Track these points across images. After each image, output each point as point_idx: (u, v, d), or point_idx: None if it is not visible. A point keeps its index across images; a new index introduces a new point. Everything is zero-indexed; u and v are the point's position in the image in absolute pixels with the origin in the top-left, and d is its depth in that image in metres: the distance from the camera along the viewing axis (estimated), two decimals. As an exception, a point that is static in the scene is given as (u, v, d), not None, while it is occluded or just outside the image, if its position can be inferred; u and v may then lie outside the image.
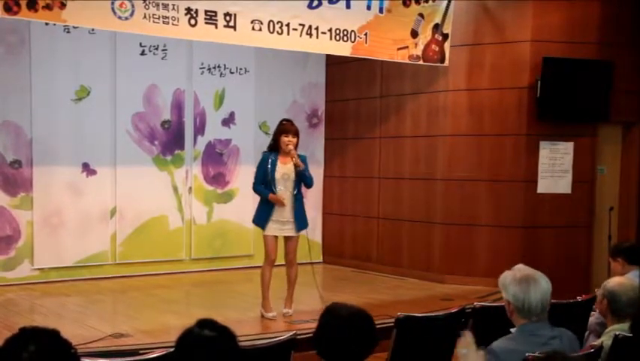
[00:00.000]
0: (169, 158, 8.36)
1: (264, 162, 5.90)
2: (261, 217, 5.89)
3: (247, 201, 8.45)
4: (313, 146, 9.16)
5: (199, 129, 8.52)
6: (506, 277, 2.99)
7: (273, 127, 8.34)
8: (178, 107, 8.36)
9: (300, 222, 5.90)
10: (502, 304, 3.06)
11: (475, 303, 4.42)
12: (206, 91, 8.52)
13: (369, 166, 8.89)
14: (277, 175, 5.82)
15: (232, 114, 8.72)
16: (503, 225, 7.70)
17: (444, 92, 7.98)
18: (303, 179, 5.88)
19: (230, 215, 8.69)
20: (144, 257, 8.22)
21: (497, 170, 7.73)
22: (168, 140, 8.33)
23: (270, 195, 5.80)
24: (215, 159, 8.64)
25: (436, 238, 8.06)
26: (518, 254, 7.33)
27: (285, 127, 5.88)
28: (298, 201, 5.89)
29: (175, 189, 8.40)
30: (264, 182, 5.85)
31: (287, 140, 5.82)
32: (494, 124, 7.74)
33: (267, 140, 8.32)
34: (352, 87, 9.07)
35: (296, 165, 5.80)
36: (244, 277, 8.25)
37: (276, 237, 5.88)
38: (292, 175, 5.83)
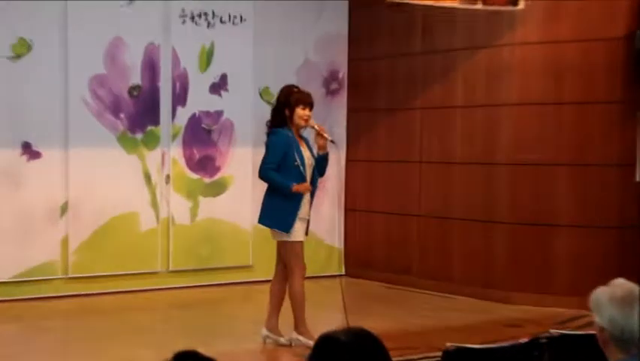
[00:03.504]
0: (139, 136, 8.37)
1: (287, 140, 6.03)
2: (287, 216, 6.01)
3: (244, 194, 8.56)
4: (332, 119, 9.12)
5: (179, 98, 8.55)
6: (601, 295, 2.98)
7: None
8: (151, 68, 8.36)
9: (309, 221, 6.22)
10: (592, 331, 3.06)
11: (552, 330, 4.53)
12: (189, 47, 8.54)
13: (406, 147, 8.92)
14: (307, 160, 6.06)
15: (223, 78, 8.74)
16: (591, 224, 7.73)
17: (509, 47, 8.03)
18: (323, 166, 6.13)
19: (222, 212, 8.72)
20: (106, 270, 8.23)
21: (582, 150, 7.79)
22: (138, 112, 8.34)
23: (295, 186, 5.95)
24: (202, 138, 8.65)
25: (499, 243, 8.11)
26: (612, 264, 7.35)
27: (302, 97, 6.06)
28: (315, 193, 6.18)
29: (147, 177, 8.42)
30: (282, 168, 6.02)
31: (305, 113, 6.02)
32: (578, 88, 7.78)
33: (270, 111, 8.35)
34: (384, 41, 9.09)
35: (323, 146, 6.03)
36: (240, 295, 8.29)
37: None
38: (313, 161, 6.11)
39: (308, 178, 6.07)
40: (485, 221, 8.16)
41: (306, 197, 6.07)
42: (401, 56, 8.91)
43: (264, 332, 6.26)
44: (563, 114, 7.81)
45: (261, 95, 8.88)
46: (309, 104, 6.04)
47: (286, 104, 6.06)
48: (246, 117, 8.77)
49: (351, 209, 9.26)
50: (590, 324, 3.11)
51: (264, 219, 6.18)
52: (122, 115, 8.27)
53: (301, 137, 6.17)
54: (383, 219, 9.09)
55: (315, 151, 6.20)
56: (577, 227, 7.75)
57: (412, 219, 8.83)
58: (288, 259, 6.08)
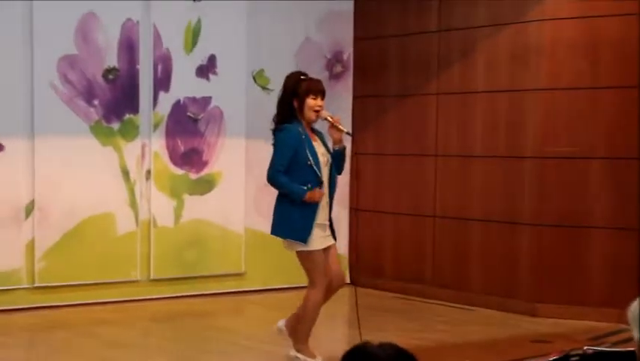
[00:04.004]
0: (116, 126, 8.33)
1: (295, 138, 5.96)
2: (303, 224, 5.96)
3: (235, 192, 8.62)
4: (336, 106, 8.80)
5: (162, 82, 8.52)
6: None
7: (274, 79, 8.61)
8: (129, 48, 8.34)
9: (332, 224, 6.18)
10: (631, 348, 3.11)
11: (585, 347, 4.50)
12: (173, 23, 8.53)
13: (420, 138, 8.91)
14: (321, 158, 6.02)
15: (212, 59, 8.70)
16: (629, 226, 7.67)
17: (538, 23, 7.98)
18: (340, 162, 6.10)
19: (210, 213, 8.71)
20: (78, 278, 8.18)
21: (620, 142, 7.73)
22: (114, 98, 8.31)
23: (308, 195, 5.91)
24: (187, 128, 8.65)
25: (524, 248, 8.07)
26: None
27: (312, 85, 6.01)
28: (333, 195, 6.15)
29: (125, 173, 8.39)
30: (293, 169, 5.96)
31: (317, 103, 5.96)
32: (617, 71, 7.73)
33: (264, 98, 8.39)
34: (395, 17, 9.07)
35: (338, 139, 6.00)
36: (231, 307, 8.33)
37: (322, 250, 6.08)
38: (330, 158, 6.07)
39: (325, 178, 6.02)
40: (509, 223, 8.13)
41: (324, 199, 6.03)
42: (414, 34, 8.88)
43: (292, 352, 6.22)
44: (599, 101, 7.75)
45: (254, 79, 8.84)
46: (320, 92, 5.98)
47: (294, 95, 5.97)
48: (238, 105, 8.74)
49: (357, 209, 9.09)
50: (630, 340, 3.13)
51: (277, 229, 6.09)
52: (95, 102, 8.20)
53: (314, 130, 6.09)
54: (393, 221, 9.06)
55: (330, 146, 6.14)
56: (613, 229, 7.70)
57: (426, 221, 8.81)
58: (307, 270, 6.05)
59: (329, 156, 6.06)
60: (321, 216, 5.99)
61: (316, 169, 5.93)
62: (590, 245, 7.76)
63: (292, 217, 5.97)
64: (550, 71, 7.90)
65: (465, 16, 8.46)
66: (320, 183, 5.94)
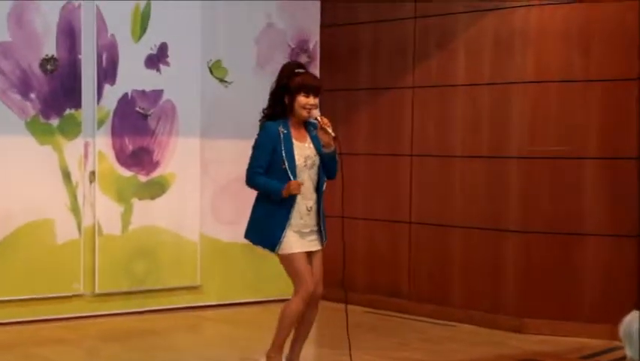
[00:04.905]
0: (55, 122, 8.23)
1: (274, 136, 5.97)
2: (273, 229, 5.99)
3: (190, 196, 8.59)
4: (300, 100, 9.04)
5: (107, 74, 8.43)
6: (633, 322, 3.06)
7: (232, 70, 8.91)
8: (69, 34, 8.23)
9: (325, 230, 6.26)
10: None
11: None
12: (119, 7, 8.44)
13: (395, 136, 8.88)
14: (298, 160, 5.99)
15: (163, 48, 8.64)
16: (625, 233, 7.67)
17: (524, 9, 7.96)
18: (331, 164, 6.10)
19: (162, 219, 8.65)
20: (12, 292, 8.06)
21: (617, 141, 7.70)
22: (53, 91, 8.20)
23: (289, 187, 5.92)
24: (136, 125, 8.57)
25: (510, 257, 8.03)
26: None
27: (306, 80, 5.97)
28: (321, 199, 6.20)
29: (66, 175, 8.28)
30: (269, 172, 5.99)
31: (308, 102, 5.92)
32: (611, 62, 7.67)
33: (222, 92, 8.34)
34: (367, 2, 9.03)
35: (327, 143, 5.97)
36: (186, 324, 8.30)
37: (306, 254, 6.10)
38: (317, 160, 6.05)
39: (309, 182, 6.05)
40: (493, 229, 8.10)
41: (304, 204, 6.04)
42: (388, 21, 8.86)
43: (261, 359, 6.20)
44: (591, 94, 7.70)
45: (211, 70, 8.79)
46: (313, 90, 5.91)
47: (286, 90, 5.92)
48: (193, 99, 8.67)
49: (325, 215, 9.00)
50: (624, 358, 3.21)
51: (247, 233, 6.14)
52: (32, 95, 8.10)
53: (308, 129, 6.07)
54: (365, 228, 9.03)
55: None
56: (609, 236, 7.67)
57: (401, 228, 8.78)
58: (289, 276, 6.09)
59: (317, 158, 6.04)
60: (300, 223, 6.02)
61: (290, 173, 5.91)
62: (583, 254, 7.72)
63: (263, 222, 6.01)
64: (537, 62, 7.86)
65: (444, 1, 8.41)
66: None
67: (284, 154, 5.92)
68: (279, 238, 5.94)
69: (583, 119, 7.72)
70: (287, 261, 5.99)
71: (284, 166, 5.89)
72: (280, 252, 5.96)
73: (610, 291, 7.59)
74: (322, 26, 9.29)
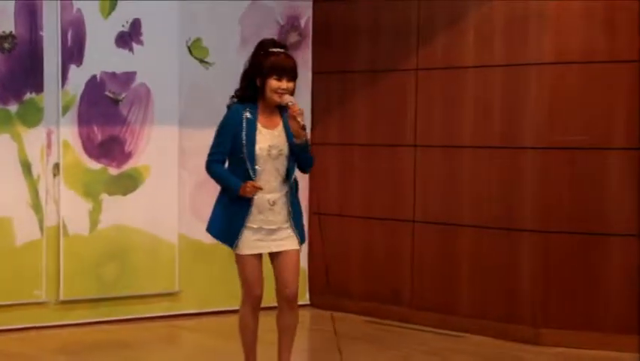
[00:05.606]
0: (14, 108, 8.19)
1: (236, 121, 5.98)
2: (229, 226, 6.01)
3: (166, 191, 8.61)
4: (290, 84, 8.89)
5: (73, 54, 8.38)
6: None
7: (214, 50, 8.84)
8: (30, 11, 8.18)
9: (301, 227, 6.13)
10: None
11: None
12: None
13: (396, 124, 8.85)
14: (260, 148, 5.94)
15: (136, 25, 8.62)
16: None
17: None
18: (302, 156, 6.02)
19: (135, 218, 8.61)
20: None
21: None
22: (11, 73, 8.17)
23: (244, 188, 5.91)
24: (106, 112, 8.53)
25: (525, 260, 8.02)
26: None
27: (278, 61, 5.93)
28: (293, 194, 6.08)
29: (26, 167, 8.26)
30: (230, 159, 5.99)
31: (280, 86, 5.89)
32: (638, 41, 7.60)
33: (202, 74, 8.71)
34: None
35: (297, 132, 5.94)
36: (162, 334, 8.35)
37: (259, 257, 6.01)
38: (285, 149, 5.97)
39: (268, 171, 6.00)
40: (506, 229, 8.09)
41: (265, 198, 5.97)
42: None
43: None
44: (616, 77, 7.67)
45: (190, 50, 8.78)
46: (286, 72, 5.88)
47: (257, 71, 5.91)
48: (169, 82, 8.65)
49: (319, 213, 8.54)
50: None
51: (209, 226, 6.14)
52: None
53: (282, 116, 6.05)
54: (363, 227, 9.03)
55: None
56: (634, 237, 7.66)
57: (403, 227, 8.75)
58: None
59: (286, 148, 6.00)
60: (259, 218, 5.96)
61: (248, 162, 5.90)
62: (607, 256, 7.70)
63: (223, 216, 6.06)
64: (556, 41, 7.81)
65: (451, -26, 8.23)
66: (251, 180, 5.93)
67: (244, 141, 5.91)
68: (237, 236, 5.98)
69: (607, 105, 7.69)
70: (237, 262, 6.02)
71: (242, 155, 5.90)
72: (235, 251, 6.00)
73: (637, 298, 7.54)
74: (315, 1, 9.26)
